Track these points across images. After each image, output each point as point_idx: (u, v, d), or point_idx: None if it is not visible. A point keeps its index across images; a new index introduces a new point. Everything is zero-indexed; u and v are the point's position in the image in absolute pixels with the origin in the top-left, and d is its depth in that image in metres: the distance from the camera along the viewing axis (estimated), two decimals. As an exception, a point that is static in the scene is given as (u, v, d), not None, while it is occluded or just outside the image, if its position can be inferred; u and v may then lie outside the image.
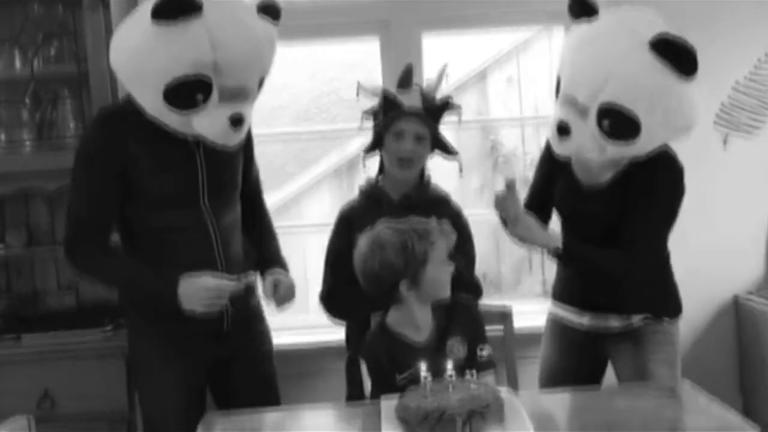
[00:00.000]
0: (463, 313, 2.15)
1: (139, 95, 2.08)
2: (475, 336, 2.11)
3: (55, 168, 2.78)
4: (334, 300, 2.46)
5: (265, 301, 2.30)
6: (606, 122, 2.07)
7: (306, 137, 4.17)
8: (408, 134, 2.39)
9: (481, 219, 2.69)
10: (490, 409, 1.72)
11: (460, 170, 2.53)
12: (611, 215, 2.24)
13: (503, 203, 2.23)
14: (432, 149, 2.46)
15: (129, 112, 2.11)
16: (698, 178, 2.62)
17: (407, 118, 2.40)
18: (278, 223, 2.55)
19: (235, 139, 2.12)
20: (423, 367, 1.83)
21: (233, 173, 2.27)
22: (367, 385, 2.08)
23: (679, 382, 2.23)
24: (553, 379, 2.45)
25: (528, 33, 4.93)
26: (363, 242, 2.08)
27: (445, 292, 2.09)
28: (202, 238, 2.18)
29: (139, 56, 2.00)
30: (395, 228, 2.06)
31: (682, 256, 2.41)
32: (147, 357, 2.26)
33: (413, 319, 2.10)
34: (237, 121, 2.07)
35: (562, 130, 2.15)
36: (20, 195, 2.98)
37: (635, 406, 1.91)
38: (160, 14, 1.95)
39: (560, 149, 2.22)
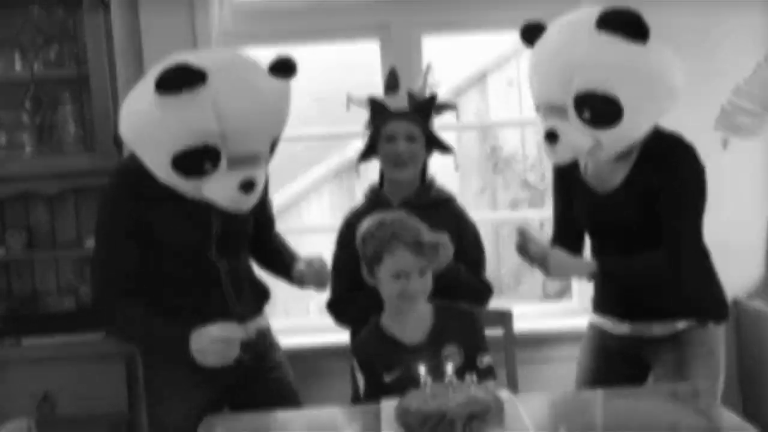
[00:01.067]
0: (460, 320, 2.15)
1: (148, 162, 2.06)
2: (473, 344, 2.11)
3: (55, 171, 2.79)
4: (340, 307, 2.47)
5: (309, 286, 2.30)
6: (586, 112, 2.07)
7: (306, 140, 4.17)
8: (399, 135, 2.40)
9: (482, 221, 2.69)
10: (490, 413, 1.72)
11: (456, 167, 2.55)
12: (632, 215, 2.21)
13: (524, 250, 2.22)
14: (428, 148, 2.47)
15: (145, 170, 2.09)
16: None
17: (396, 120, 2.41)
18: (278, 225, 2.55)
19: (248, 203, 2.10)
20: (422, 370, 1.83)
21: (246, 224, 2.28)
22: (360, 381, 2.09)
23: (719, 395, 2.21)
24: (592, 387, 2.38)
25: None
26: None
27: (410, 302, 2.08)
28: (214, 285, 2.19)
29: (145, 126, 1.99)
30: (380, 219, 2.12)
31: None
32: (161, 385, 2.25)
33: (404, 320, 2.11)
34: (247, 186, 2.04)
35: (551, 137, 2.14)
36: (20, 197, 2.98)
37: (635, 408, 1.91)
38: (163, 86, 1.93)
39: (555, 157, 2.21)
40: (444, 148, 2.51)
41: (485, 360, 2.09)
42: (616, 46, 2.03)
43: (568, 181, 2.36)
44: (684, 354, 2.25)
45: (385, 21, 3.08)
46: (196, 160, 1.99)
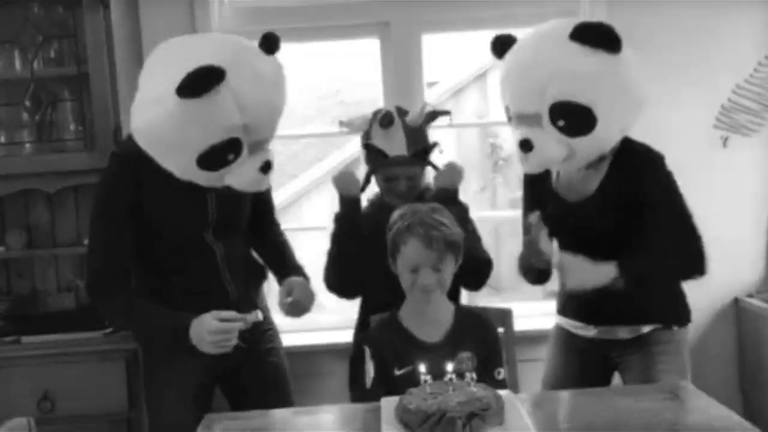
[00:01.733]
0: (480, 328, 2.16)
1: (168, 164, 2.07)
2: (488, 355, 2.10)
3: (55, 169, 2.79)
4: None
5: (280, 309, 2.31)
6: (561, 121, 2.10)
7: (306, 139, 4.17)
8: (400, 177, 2.43)
9: (482, 220, 2.69)
10: (490, 411, 1.72)
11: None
12: (605, 224, 2.23)
13: (534, 247, 2.18)
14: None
15: (143, 155, 2.08)
16: (698, 179, 2.64)
17: (396, 166, 2.42)
18: (279, 224, 2.55)
19: (267, 183, 2.16)
20: (423, 369, 1.83)
21: (243, 208, 2.31)
22: (370, 370, 2.09)
23: None
24: (557, 387, 2.40)
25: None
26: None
27: (423, 296, 2.09)
28: (210, 269, 2.22)
29: (168, 132, 1.98)
30: (405, 210, 2.14)
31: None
32: (160, 375, 2.28)
33: (422, 316, 2.12)
34: (267, 167, 2.10)
35: (525, 145, 2.16)
36: (20, 196, 2.98)
37: (635, 407, 1.91)
38: (186, 91, 1.90)
39: (529, 166, 2.22)
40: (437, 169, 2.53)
41: (501, 374, 2.11)
42: (590, 56, 2.07)
43: (539, 189, 2.39)
44: (651, 354, 2.28)
45: (385, 19, 3.08)
46: (221, 155, 2.01)
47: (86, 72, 2.78)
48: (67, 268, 3.05)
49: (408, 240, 2.07)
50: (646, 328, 2.30)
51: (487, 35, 2.33)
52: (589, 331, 2.36)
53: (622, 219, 2.21)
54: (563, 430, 1.83)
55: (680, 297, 2.36)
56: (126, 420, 2.73)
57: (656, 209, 2.19)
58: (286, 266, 2.42)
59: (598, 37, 2.06)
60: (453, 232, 2.10)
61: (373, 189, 2.56)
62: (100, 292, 2.17)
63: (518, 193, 5.18)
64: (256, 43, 2.11)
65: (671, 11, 2.96)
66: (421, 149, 2.44)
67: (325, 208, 5.07)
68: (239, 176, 2.07)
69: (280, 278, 2.38)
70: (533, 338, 2.94)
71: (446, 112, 2.57)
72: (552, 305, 2.51)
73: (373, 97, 3.26)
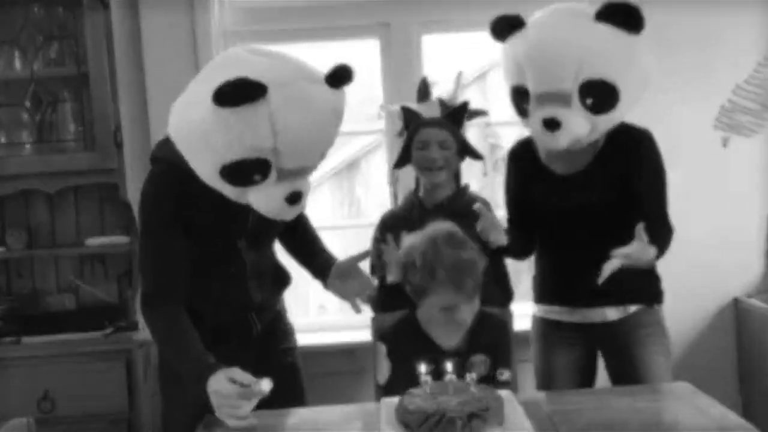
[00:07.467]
0: (496, 331, 2.17)
1: (195, 166, 2.00)
2: (498, 357, 2.11)
3: (55, 170, 2.80)
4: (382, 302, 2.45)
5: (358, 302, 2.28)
6: (590, 99, 2.15)
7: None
8: (431, 142, 2.46)
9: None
10: (490, 412, 1.72)
11: (485, 173, 2.65)
12: (604, 195, 2.28)
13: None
14: (461, 154, 2.52)
15: (184, 165, 2.02)
16: (698, 178, 2.63)
17: (428, 127, 2.47)
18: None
19: (292, 214, 2.04)
20: (423, 369, 1.83)
21: (281, 222, 2.22)
22: (384, 369, 2.10)
23: (669, 370, 2.31)
24: (550, 378, 2.43)
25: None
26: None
27: (456, 325, 2.09)
28: (237, 276, 2.18)
29: (197, 133, 1.93)
30: (422, 246, 2.12)
31: (682, 258, 2.41)
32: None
33: (442, 323, 2.11)
34: (295, 198, 1.99)
35: (552, 124, 2.17)
36: (20, 196, 2.99)
37: (635, 407, 1.92)
38: (222, 100, 1.84)
39: (555, 143, 2.22)
40: (475, 155, 2.56)
41: (504, 375, 2.11)
42: (618, 36, 2.14)
43: (524, 165, 2.42)
44: (634, 332, 2.33)
45: (385, 20, 3.09)
46: (246, 172, 1.93)
47: (86, 72, 2.79)
48: (67, 268, 3.06)
49: (437, 289, 2.06)
50: (632, 308, 2.34)
51: (488, 36, 2.33)
52: (574, 316, 2.37)
53: (616, 191, 2.27)
54: (563, 431, 1.83)
55: (657, 275, 2.40)
56: (126, 420, 2.74)
57: (649, 187, 2.28)
58: (321, 254, 2.38)
59: (625, 17, 2.13)
60: (474, 259, 2.10)
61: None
62: (150, 310, 2.09)
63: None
64: (320, 71, 2.02)
65: (670, 12, 2.96)
66: (453, 111, 2.49)
67: (327, 205, 5.07)
68: (262, 199, 1.98)
69: (317, 266, 2.34)
70: (533, 338, 2.95)
71: (485, 113, 2.64)
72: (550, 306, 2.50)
73: (372, 97, 3.27)
